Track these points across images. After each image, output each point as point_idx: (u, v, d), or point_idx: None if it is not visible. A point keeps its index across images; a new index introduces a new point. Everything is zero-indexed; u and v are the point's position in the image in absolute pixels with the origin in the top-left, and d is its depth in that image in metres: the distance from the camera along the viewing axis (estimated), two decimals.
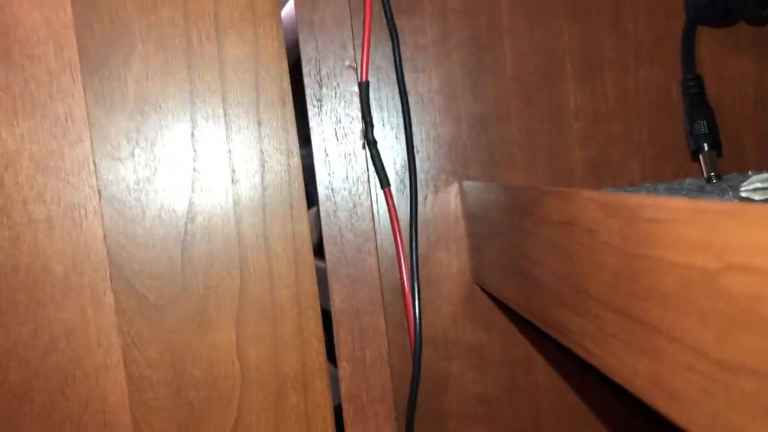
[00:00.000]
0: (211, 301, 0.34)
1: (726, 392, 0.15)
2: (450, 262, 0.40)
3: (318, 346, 0.35)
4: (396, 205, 0.38)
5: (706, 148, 0.38)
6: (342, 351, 0.35)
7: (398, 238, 0.38)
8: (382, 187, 0.38)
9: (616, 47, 0.41)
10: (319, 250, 0.37)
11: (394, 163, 0.39)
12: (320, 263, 0.36)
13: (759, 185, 0.31)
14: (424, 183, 0.40)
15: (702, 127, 0.38)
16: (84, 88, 0.33)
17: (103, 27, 0.33)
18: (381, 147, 0.38)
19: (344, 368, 0.35)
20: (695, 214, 0.15)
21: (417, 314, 0.37)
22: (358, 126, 0.37)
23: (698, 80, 0.40)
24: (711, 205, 0.15)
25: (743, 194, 0.31)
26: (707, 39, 0.41)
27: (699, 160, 0.39)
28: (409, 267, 0.38)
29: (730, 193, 0.32)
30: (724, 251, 0.14)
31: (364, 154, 0.38)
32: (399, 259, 0.38)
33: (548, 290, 0.26)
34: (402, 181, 0.39)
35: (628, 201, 0.18)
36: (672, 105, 0.41)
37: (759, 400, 0.14)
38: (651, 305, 0.18)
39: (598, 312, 0.21)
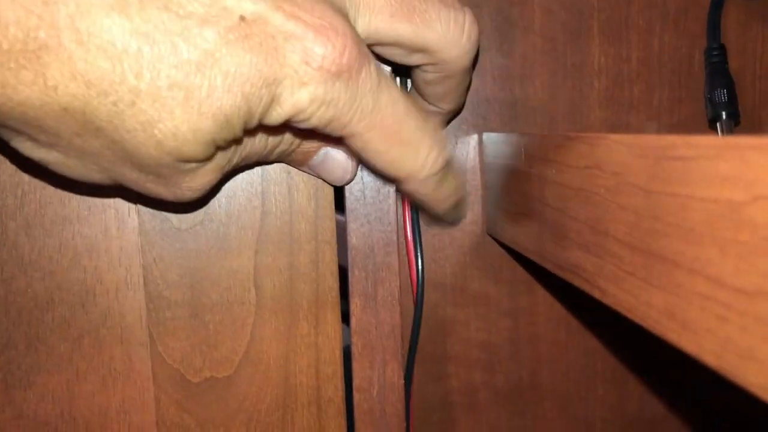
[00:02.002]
0: (231, 228, 0.35)
1: (740, 317, 0.16)
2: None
3: (332, 281, 0.36)
4: None
5: (723, 117, 0.39)
6: (355, 287, 0.36)
7: None
8: None
9: (644, 11, 0.41)
10: (338, 205, 0.37)
11: None
12: (338, 216, 0.37)
13: None
14: (443, 132, 0.40)
15: (722, 95, 0.39)
16: None
17: None
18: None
19: (356, 303, 0.36)
20: (726, 150, 0.16)
21: (419, 260, 0.38)
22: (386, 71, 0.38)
23: (721, 50, 0.40)
24: (742, 140, 0.15)
25: None
26: (734, 10, 0.42)
27: (716, 129, 0.39)
28: (410, 212, 0.38)
29: None
30: (752, 183, 0.15)
31: None
32: (404, 203, 0.38)
33: (565, 234, 0.27)
34: None
35: (658, 141, 0.19)
36: (694, 74, 0.42)
37: None
38: (672, 241, 0.19)
39: (617, 251, 0.22)
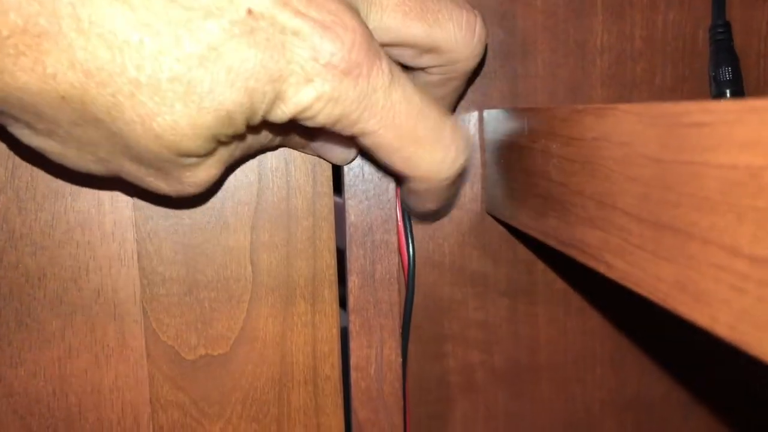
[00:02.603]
0: (227, 204, 0.35)
1: (758, 287, 0.15)
2: (463, 190, 0.40)
3: (329, 258, 0.36)
4: None
5: (728, 95, 0.38)
6: (353, 264, 0.36)
7: None
8: None
9: None
10: (336, 188, 0.37)
11: None
12: (336, 198, 0.36)
13: None
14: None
15: (726, 73, 0.38)
16: None
17: None
18: None
19: (353, 281, 0.36)
20: (745, 114, 0.15)
21: (410, 244, 0.37)
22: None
23: (726, 27, 0.40)
24: (762, 102, 0.15)
25: None
26: None
27: None
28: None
29: None
30: None
31: None
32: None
33: (569, 209, 0.26)
34: None
35: (671, 108, 0.19)
36: (697, 52, 0.41)
37: None
38: (685, 211, 0.18)
39: (625, 224, 0.22)
